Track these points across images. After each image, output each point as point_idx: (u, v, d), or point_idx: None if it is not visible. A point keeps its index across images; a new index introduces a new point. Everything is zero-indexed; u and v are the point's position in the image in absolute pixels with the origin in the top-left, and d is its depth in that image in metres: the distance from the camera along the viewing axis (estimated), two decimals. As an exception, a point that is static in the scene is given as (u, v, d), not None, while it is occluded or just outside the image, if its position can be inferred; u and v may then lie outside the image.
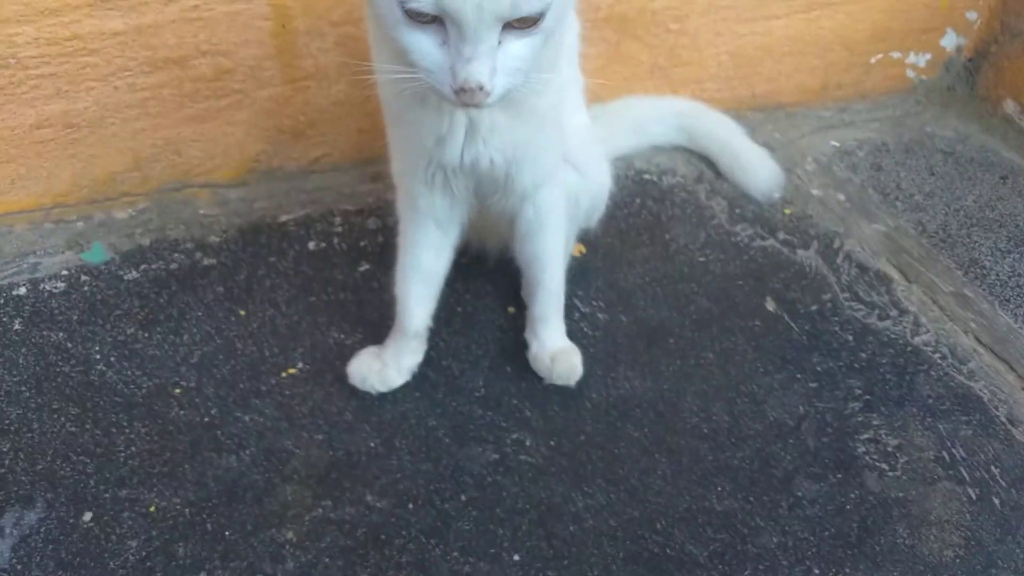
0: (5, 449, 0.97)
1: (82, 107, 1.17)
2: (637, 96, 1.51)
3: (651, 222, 1.38)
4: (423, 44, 0.69)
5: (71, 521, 0.91)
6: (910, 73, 1.75)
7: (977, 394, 1.13)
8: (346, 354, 1.10)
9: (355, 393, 1.07)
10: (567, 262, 1.12)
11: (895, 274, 1.32)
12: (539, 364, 1.10)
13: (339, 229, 1.32)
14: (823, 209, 1.44)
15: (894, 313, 1.24)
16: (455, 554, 0.91)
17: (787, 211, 1.43)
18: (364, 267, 1.25)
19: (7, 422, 1.00)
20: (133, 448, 0.98)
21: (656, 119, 1.50)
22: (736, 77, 1.59)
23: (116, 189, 1.28)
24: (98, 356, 1.08)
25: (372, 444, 1.01)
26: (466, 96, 0.68)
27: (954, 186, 1.52)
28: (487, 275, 1.24)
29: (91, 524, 0.91)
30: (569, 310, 1.19)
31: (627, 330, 1.19)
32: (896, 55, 1.71)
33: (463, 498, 0.96)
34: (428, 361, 1.11)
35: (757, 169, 1.45)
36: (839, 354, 1.17)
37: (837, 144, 1.61)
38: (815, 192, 1.48)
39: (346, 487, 0.97)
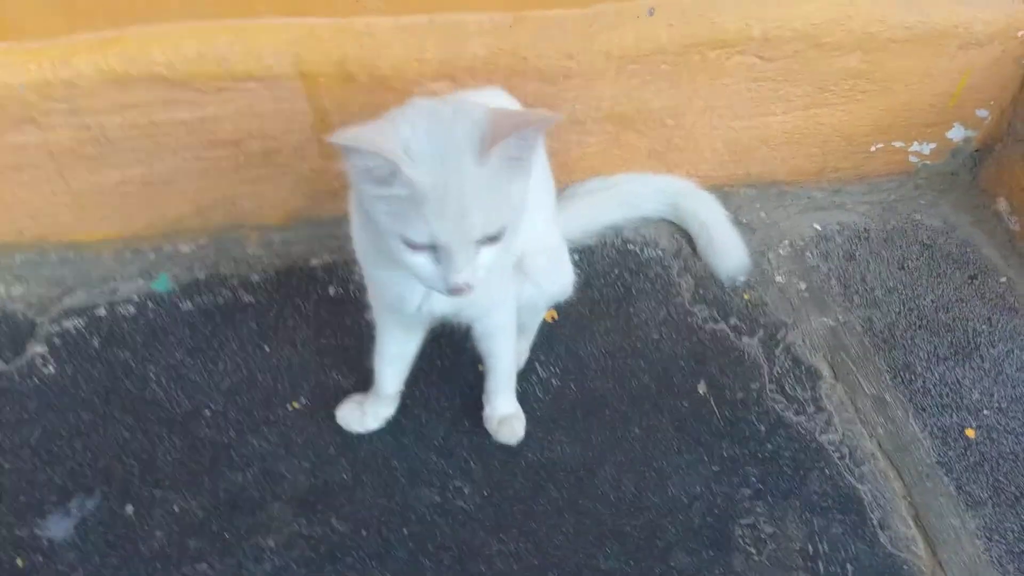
0: (79, 447, 1.31)
1: (156, 171, 1.47)
2: (633, 173, 1.70)
3: (622, 294, 1.59)
4: (420, 262, 0.92)
5: (118, 511, 1.24)
6: (913, 159, 1.84)
7: (860, 496, 1.32)
8: (340, 395, 1.38)
9: (340, 431, 1.35)
10: (538, 328, 1.39)
11: (826, 371, 1.49)
12: (489, 424, 1.35)
13: (356, 277, 1.58)
14: (780, 297, 1.61)
15: (811, 409, 1.43)
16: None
17: (746, 296, 1.60)
18: (369, 316, 1.52)
19: (82, 425, 1.34)
20: (169, 457, 1.31)
21: (647, 195, 1.68)
22: (731, 161, 1.74)
23: (182, 227, 1.59)
24: (152, 376, 1.41)
25: (344, 476, 1.30)
26: (456, 293, 0.92)
27: (919, 283, 1.65)
28: (466, 336, 1.49)
29: (131, 515, 1.24)
30: (528, 372, 1.43)
31: (573, 398, 1.42)
32: (898, 144, 1.80)
33: (404, 531, 1.25)
34: (403, 408, 1.37)
35: (727, 252, 1.62)
36: (748, 442, 1.37)
37: (819, 228, 1.75)
38: (778, 279, 1.64)
39: (319, 509, 1.26)
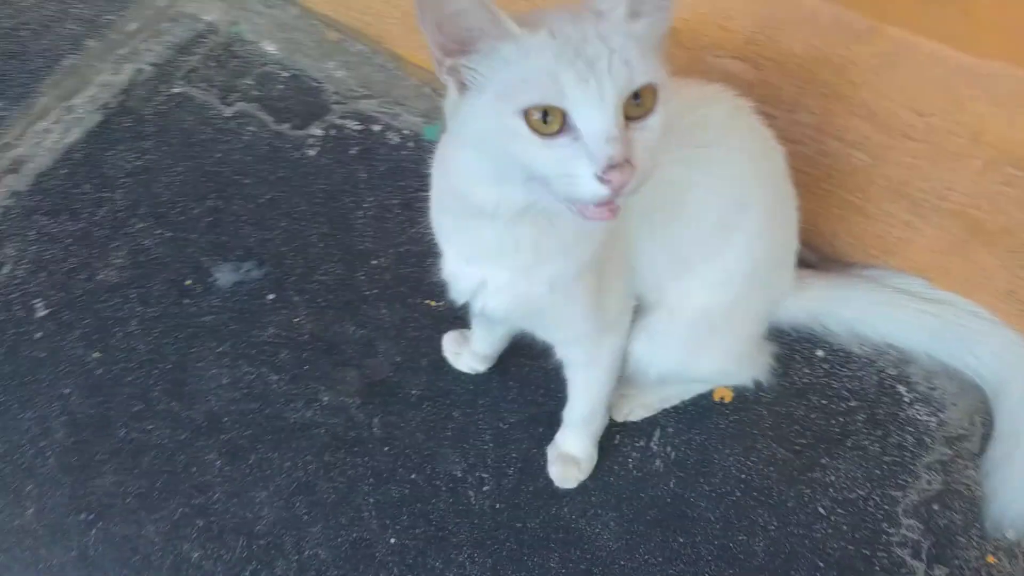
0: (283, 226, 1.47)
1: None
2: (976, 306, 1.18)
3: (831, 434, 1.20)
4: (550, 151, 0.69)
5: (264, 292, 1.40)
6: None
7: None
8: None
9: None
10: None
11: None
12: (549, 452, 1.20)
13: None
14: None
15: None
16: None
17: (990, 558, 1.09)
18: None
19: (295, 212, 1.49)
20: (328, 276, 1.42)
21: (979, 345, 1.17)
22: None
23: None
24: (365, 206, 1.49)
25: (413, 392, 1.29)
26: (616, 175, 0.67)
27: None
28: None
29: (270, 300, 1.39)
30: (640, 434, 1.21)
31: (660, 494, 1.17)
32: None
33: (413, 476, 1.22)
34: (506, 371, 1.28)
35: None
36: None
37: None
38: (1053, 568, 1.08)
39: (373, 403, 1.28)
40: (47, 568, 1.16)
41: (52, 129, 1.66)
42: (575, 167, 0.68)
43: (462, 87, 0.72)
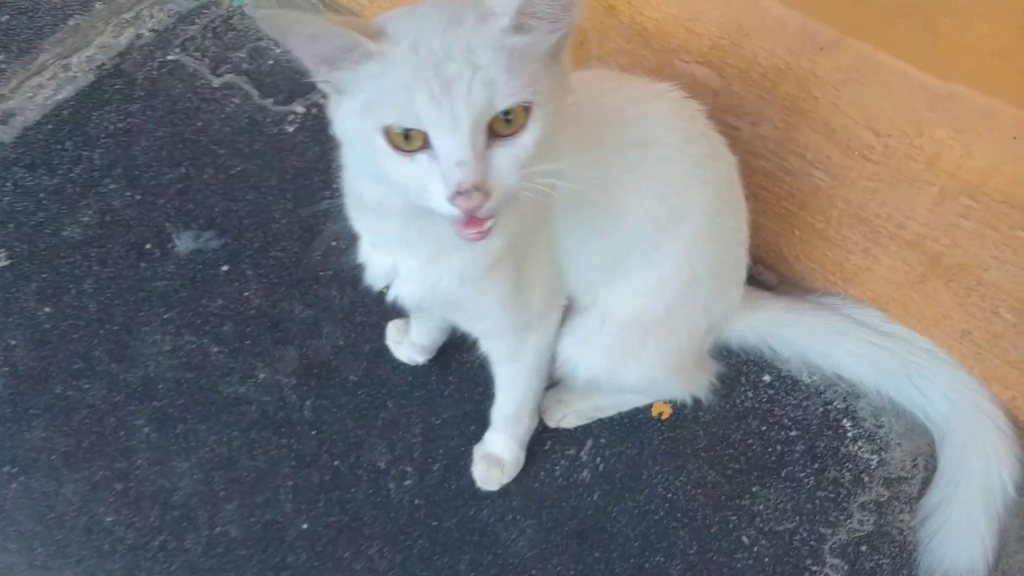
0: (250, 199, 1.47)
1: None
2: (929, 342, 1.12)
3: (765, 462, 1.15)
4: (409, 167, 0.68)
5: (219, 263, 1.39)
6: None
7: None
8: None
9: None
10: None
11: None
12: (475, 451, 1.16)
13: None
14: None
15: None
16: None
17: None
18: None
19: (263, 187, 1.49)
20: (284, 253, 1.41)
21: (929, 386, 1.11)
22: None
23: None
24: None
25: (351, 378, 1.27)
26: (463, 201, 0.66)
27: None
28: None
29: (223, 272, 1.39)
30: (572, 442, 1.18)
31: (583, 505, 1.14)
32: None
33: (335, 462, 1.20)
34: (444, 364, 1.26)
35: (962, 534, 1.03)
36: None
37: None
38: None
39: (308, 384, 1.27)
40: (-38, 515, 1.17)
41: (46, 85, 1.68)
42: (428, 185, 0.68)
43: (336, 90, 0.71)
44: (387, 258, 0.90)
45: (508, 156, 0.68)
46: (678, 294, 0.98)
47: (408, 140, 0.67)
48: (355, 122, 0.70)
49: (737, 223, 1.02)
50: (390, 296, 0.93)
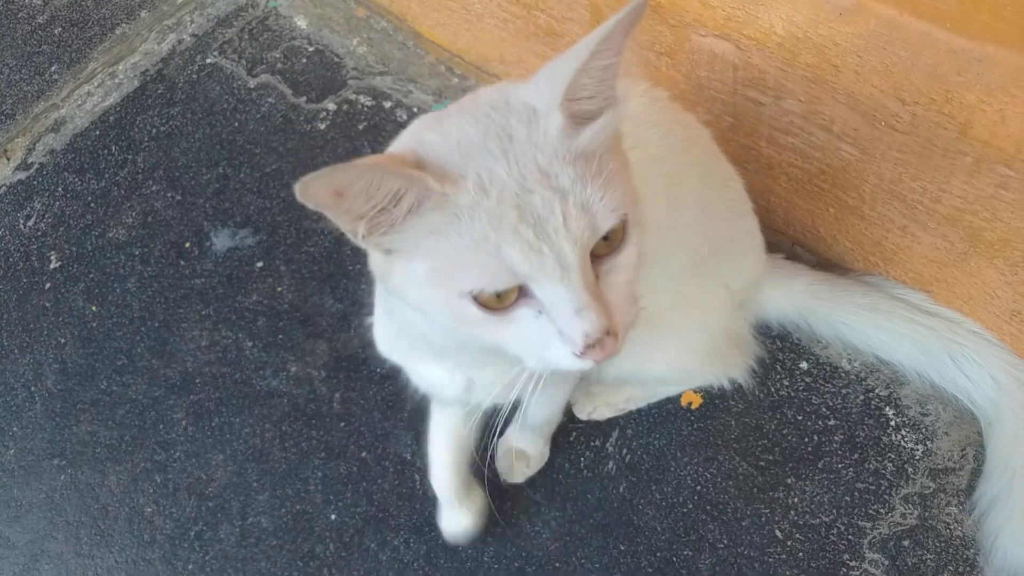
0: (282, 197, 1.49)
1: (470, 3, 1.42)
2: (975, 325, 1.05)
3: (803, 451, 1.10)
4: (515, 329, 0.58)
5: (255, 259, 1.42)
6: None
7: None
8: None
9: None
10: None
11: None
12: (499, 445, 1.14)
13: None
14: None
15: None
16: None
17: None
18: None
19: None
20: (314, 249, 1.42)
21: (975, 368, 1.04)
22: None
23: (490, 68, 1.53)
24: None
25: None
26: (596, 352, 0.57)
27: None
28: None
29: (258, 269, 1.41)
30: (598, 435, 1.15)
31: (609, 498, 1.11)
32: None
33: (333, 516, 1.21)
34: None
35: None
36: None
37: None
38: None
39: (339, 379, 1.28)
40: (16, 506, 1.23)
41: (94, 92, 1.74)
42: (545, 346, 0.57)
43: (387, 251, 0.60)
44: (460, 377, 0.81)
45: (619, 278, 0.58)
46: (685, 282, 0.94)
47: (501, 298, 0.56)
48: (424, 291, 0.59)
49: (732, 192, 0.98)
50: (468, 409, 0.88)
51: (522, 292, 0.56)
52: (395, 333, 0.79)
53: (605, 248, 0.58)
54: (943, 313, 1.07)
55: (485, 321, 0.57)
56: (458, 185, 0.55)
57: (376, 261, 0.63)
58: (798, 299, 1.10)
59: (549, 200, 0.54)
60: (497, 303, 0.56)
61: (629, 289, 0.59)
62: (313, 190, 0.54)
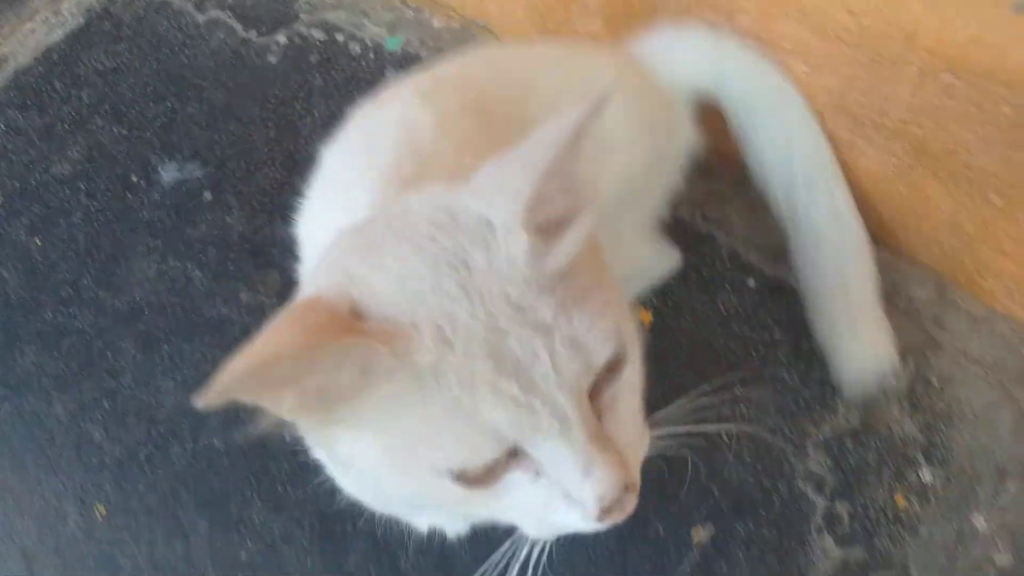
0: (231, 129, 1.46)
1: None
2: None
3: (737, 360, 1.12)
4: (512, 497, 0.48)
5: (202, 191, 1.40)
6: None
7: None
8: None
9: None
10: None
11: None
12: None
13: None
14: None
15: None
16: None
17: (899, 500, 1.00)
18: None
19: (246, 116, 1.48)
20: (268, 182, 1.40)
21: None
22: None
23: (445, 3, 1.52)
24: (316, 115, 1.47)
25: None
26: (617, 515, 0.48)
27: None
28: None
29: (208, 200, 1.39)
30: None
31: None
32: None
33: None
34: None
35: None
36: None
37: None
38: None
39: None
40: (-42, 435, 1.20)
41: (37, 30, 1.69)
42: (550, 510, 0.48)
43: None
44: (455, 521, 0.74)
45: (624, 407, 0.49)
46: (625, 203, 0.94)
47: (487, 467, 0.46)
48: (381, 470, 0.48)
49: (660, 100, 0.98)
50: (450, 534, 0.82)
51: (512, 452, 0.46)
52: (366, 487, 0.63)
53: (601, 374, 0.47)
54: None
55: (468, 497, 0.47)
56: (412, 341, 0.43)
57: (307, 427, 0.50)
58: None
59: (529, 341, 0.44)
60: (482, 473, 0.46)
61: (637, 418, 0.51)
62: (219, 399, 0.43)
